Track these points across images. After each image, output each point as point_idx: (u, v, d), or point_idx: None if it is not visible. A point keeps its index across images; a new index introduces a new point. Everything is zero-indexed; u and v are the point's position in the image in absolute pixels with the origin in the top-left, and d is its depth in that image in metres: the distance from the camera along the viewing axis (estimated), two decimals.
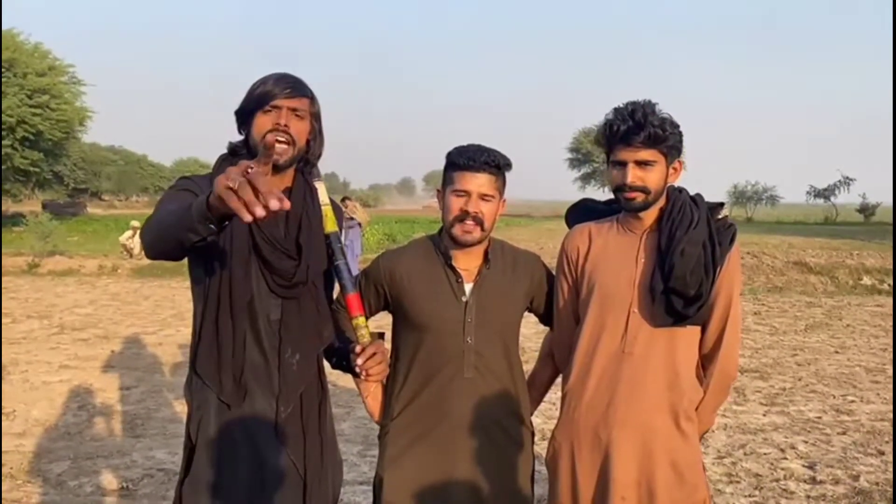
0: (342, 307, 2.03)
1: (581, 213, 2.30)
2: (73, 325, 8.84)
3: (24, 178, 29.57)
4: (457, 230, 1.96)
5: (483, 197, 1.95)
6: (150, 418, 5.16)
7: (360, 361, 1.80)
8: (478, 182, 1.94)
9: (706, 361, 2.04)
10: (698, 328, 2.01)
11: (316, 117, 1.94)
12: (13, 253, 16.30)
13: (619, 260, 2.03)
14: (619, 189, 1.97)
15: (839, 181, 47.03)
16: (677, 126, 1.96)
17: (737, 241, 2.01)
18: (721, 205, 2.08)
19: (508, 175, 2.03)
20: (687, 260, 1.91)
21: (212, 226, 1.50)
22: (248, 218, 1.26)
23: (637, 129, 1.90)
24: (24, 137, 26.37)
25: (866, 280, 13.39)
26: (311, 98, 1.92)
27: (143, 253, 15.96)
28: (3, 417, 5.17)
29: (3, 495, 3.81)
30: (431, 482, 1.98)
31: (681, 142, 1.97)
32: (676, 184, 2.04)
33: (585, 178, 57.00)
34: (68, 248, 17.09)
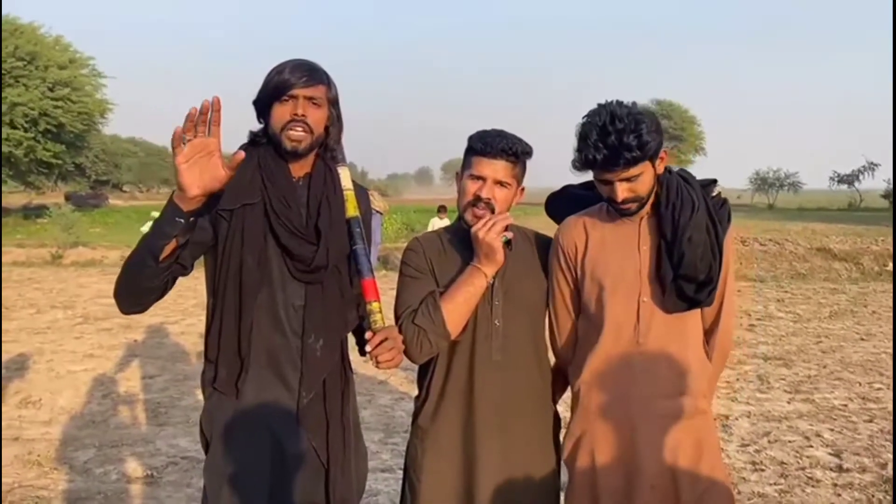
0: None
1: (565, 202, 2.24)
2: (96, 315, 8.95)
3: (46, 170, 29.91)
4: (468, 214, 1.96)
5: (498, 183, 1.94)
6: (173, 407, 5.22)
7: (369, 348, 1.79)
8: (494, 168, 1.93)
9: (708, 335, 2.03)
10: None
11: (333, 103, 1.92)
12: (37, 244, 16.54)
13: (620, 250, 1.99)
14: (612, 202, 1.92)
15: (863, 167, 46.38)
16: (654, 125, 1.84)
17: (731, 218, 2.00)
18: (714, 181, 2.04)
19: (528, 164, 2.00)
20: (695, 247, 1.88)
21: (180, 220, 1.59)
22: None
23: (615, 158, 1.80)
24: (47, 130, 26.66)
25: (892, 266, 13.19)
26: (328, 84, 1.90)
27: None
28: (31, 406, 5.25)
29: (31, 482, 3.86)
30: (459, 467, 1.97)
31: (660, 143, 1.87)
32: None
33: None
34: (91, 239, 17.31)
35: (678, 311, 1.94)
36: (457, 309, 1.90)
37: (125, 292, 1.73)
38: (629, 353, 1.96)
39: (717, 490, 1.95)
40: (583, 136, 1.85)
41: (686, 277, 1.90)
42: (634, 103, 1.88)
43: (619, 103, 1.85)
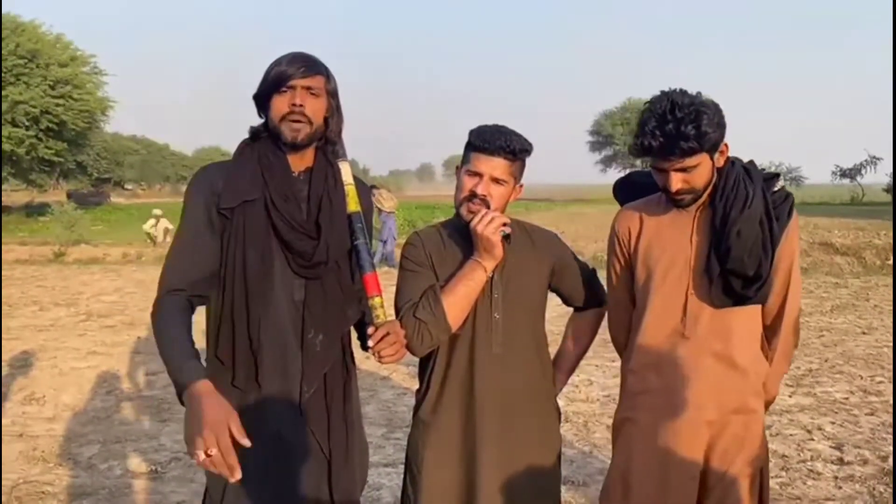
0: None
1: (630, 187, 2.25)
2: (99, 313, 8.97)
3: (48, 168, 29.97)
4: (464, 209, 1.96)
5: (495, 180, 1.93)
6: (176, 403, 5.20)
7: (371, 343, 1.80)
8: (491, 165, 1.92)
9: (769, 333, 2.00)
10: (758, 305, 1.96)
11: (332, 94, 1.93)
12: (39, 242, 16.56)
13: (673, 241, 1.97)
14: (665, 191, 1.91)
15: (865, 161, 46.16)
16: (717, 117, 1.82)
17: (795, 212, 1.95)
18: (777, 175, 2.01)
19: (529, 159, 2.01)
20: (744, 241, 1.84)
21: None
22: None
23: (670, 146, 1.78)
24: (48, 128, 26.71)
25: (892, 260, 13.16)
26: (327, 75, 1.90)
27: (165, 240, 16.22)
28: (35, 402, 5.27)
29: (36, 478, 3.88)
30: (460, 459, 1.99)
31: (722, 135, 1.85)
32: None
33: (607, 161, 56.54)
34: (93, 236, 17.33)
35: (724, 306, 1.91)
36: (457, 302, 1.92)
37: None
38: (676, 344, 1.95)
39: (739, 490, 1.95)
40: (642, 123, 1.84)
41: (733, 272, 1.87)
42: (699, 93, 1.86)
43: (683, 92, 1.84)
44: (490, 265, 1.93)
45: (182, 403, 1.63)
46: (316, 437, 1.90)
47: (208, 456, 1.50)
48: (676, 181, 1.85)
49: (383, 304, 1.86)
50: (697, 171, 1.84)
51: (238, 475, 1.51)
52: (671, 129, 1.77)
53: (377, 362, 1.85)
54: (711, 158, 1.85)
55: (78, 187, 45.90)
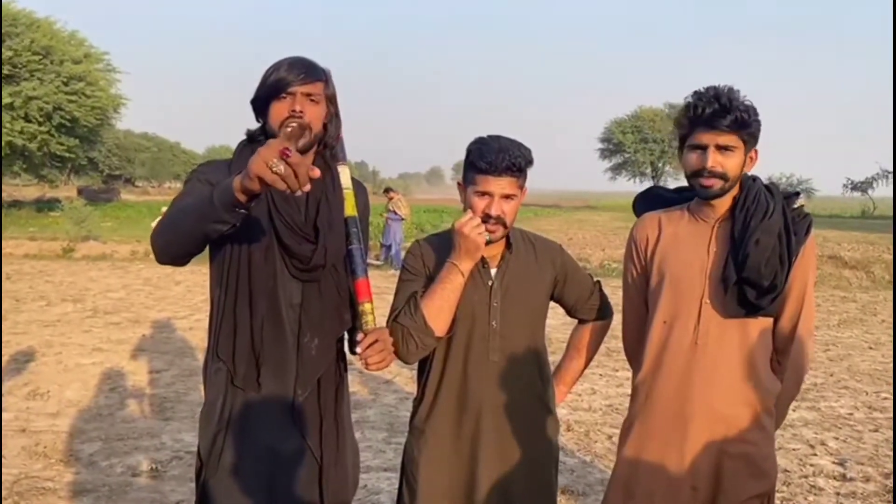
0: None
1: (650, 201, 2.27)
2: (105, 309, 9.01)
3: (60, 163, 30.13)
4: (483, 231, 1.95)
5: (505, 197, 1.93)
6: (179, 401, 5.25)
7: (359, 350, 1.80)
8: (500, 184, 1.91)
9: (780, 355, 2.00)
10: (770, 320, 1.97)
11: (331, 100, 1.92)
12: (49, 237, 16.65)
13: (690, 249, 1.99)
14: (696, 174, 1.91)
15: (877, 174, 45.93)
16: (758, 115, 1.90)
17: (812, 232, 1.97)
18: (797, 194, 2.04)
19: (537, 164, 2.01)
20: (762, 250, 1.86)
21: (241, 210, 1.55)
22: (298, 193, 1.47)
23: (723, 111, 1.85)
24: (61, 124, 26.84)
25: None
26: (326, 81, 1.90)
27: None
28: (38, 398, 5.30)
29: (38, 474, 3.90)
30: (455, 467, 1.99)
31: (759, 131, 1.91)
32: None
33: (616, 169, 56.56)
34: (102, 233, 17.41)
35: (737, 316, 1.92)
36: (436, 306, 1.91)
37: (173, 250, 1.75)
38: (688, 354, 1.96)
39: None
40: (695, 93, 1.90)
41: (749, 281, 1.88)
42: None
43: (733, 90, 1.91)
44: (466, 267, 1.91)
45: (236, 201, 1.53)
46: (308, 442, 1.90)
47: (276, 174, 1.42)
48: (713, 157, 1.88)
49: (373, 311, 1.86)
50: (733, 156, 1.88)
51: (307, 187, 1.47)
52: (726, 100, 1.85)
53: (364, 369, 1.85)
54: (745, 154, 1.90)
55: (89, 183, 46.20)
